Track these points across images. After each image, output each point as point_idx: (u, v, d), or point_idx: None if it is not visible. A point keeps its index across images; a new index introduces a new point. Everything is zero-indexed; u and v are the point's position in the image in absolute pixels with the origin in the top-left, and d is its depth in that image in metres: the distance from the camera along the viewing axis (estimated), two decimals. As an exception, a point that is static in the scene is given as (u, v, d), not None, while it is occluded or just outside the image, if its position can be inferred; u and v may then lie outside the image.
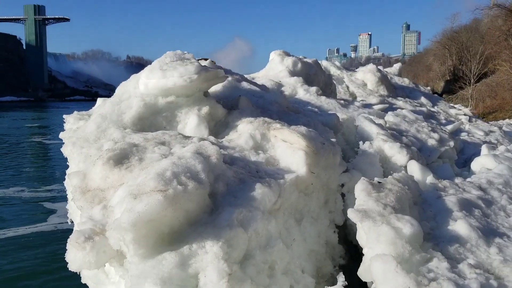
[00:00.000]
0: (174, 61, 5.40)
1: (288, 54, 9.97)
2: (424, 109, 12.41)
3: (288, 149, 4.75)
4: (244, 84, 6.91)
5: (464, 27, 69.49)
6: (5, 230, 13.15)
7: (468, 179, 5.68)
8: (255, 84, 7.70)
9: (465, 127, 12.16)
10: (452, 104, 51.14)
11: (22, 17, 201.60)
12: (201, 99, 5.39)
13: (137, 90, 5.26)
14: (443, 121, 12.05)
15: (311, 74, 9.91)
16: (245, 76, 10.42)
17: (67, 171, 4.87)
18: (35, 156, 29.91)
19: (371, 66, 13.31)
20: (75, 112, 6.13)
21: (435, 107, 13.38)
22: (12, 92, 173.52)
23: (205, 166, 3.80)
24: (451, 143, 7.29)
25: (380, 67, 15.52)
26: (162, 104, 5.21)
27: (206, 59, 7.37)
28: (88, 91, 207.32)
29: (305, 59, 10.04)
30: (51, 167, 25.27)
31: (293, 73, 9.37)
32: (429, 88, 15.98)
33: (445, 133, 7.68)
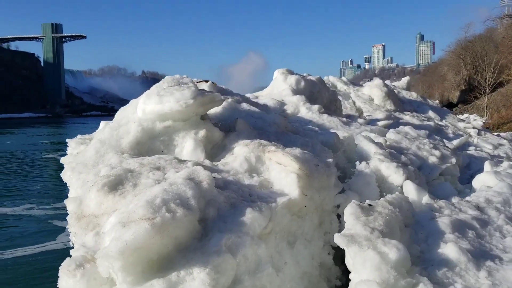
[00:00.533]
0: (172, 86, 5.53)
1: (291, 73, 10.07)
2: (431, 123, 12.34)
3: (282, 171, 4.81)
4: (244, 106, 7.00)
5: (479, 36, 69.05)
6: (13, 249, 13.34)
7: (467, 198, 5.66)
8: (255, 104, 7.80)
9: (473, 141, 12.05)
10: (466, 115, 50.60)
11: (40, 35, 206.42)
12: (198, 123, 5.50)
13: (135, 115, 5.40)
14: (451, 135, 11.96)
15: (315, 91, 9.97)
16: (249, 95, 10.54)
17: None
18: (46, 172, 30.33)
19: (377, 81, 13.32)
20: (78, 136, 6.30)
21: (443, 121, 13.29)
22: (30, 108, 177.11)
23: (195, 192, 3.89)
24: (453, 160, 7.26)
25: (388, 82, 15.51)
26: (160, 128, 5.33)
27: (207, 81, 7.50)
28: (104, 107, 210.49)
29: (308, 77, 10.12)
30: (62, 184, 25.51)
31: (296, 92, 9.44)
32: (437, 101, 15.90)
33: (447, 149, 7.65)
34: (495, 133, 28.11)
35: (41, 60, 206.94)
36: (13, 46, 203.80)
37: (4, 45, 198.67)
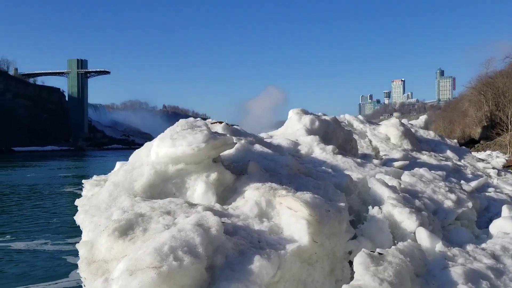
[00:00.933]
0: (185, 129, 5.65)
1: (306, 112, 10.15)
2: (449, 163, 12.17)
3: (292, 217, 4.80)
4: (257, 147, 7.07)
5: (500, 72, 68.69)
6: (25, 285, 13.40)
7: (482, 245, 5.52)
8: (268, 145, 7.86)
9: (493, 182, 11.82)
10: (489, 152, 49.69)
11: (66, 70, 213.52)
12: (210, 166, 5.57)
13: (149, 158, 5.50)
14: (470, 176, 11.77)
15: (329, 131, 10.00)
16: (263, 135, 10.64)
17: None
18: (63, 207, 30.64)
19: (394, 120, 13.29)
20: (94, 177, 6.43)
21: (462, 161, 13.11)
22: (54, 141, 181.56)
23: (203, 239, 3.91)
24: (469, 204, 7.12)
25: (405, 120, 15.48)
26: (172, 171, 5.41)
27: (221, 122, 7.63)
28: (125, 140, 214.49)
29: (323, 117, 10.18)
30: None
31: (310, 132, 9.49)
32: (455, 141, 15.78)
33: (464, 193, 7.52)
34: (518, 172, 27.51)
35: (66, 94, 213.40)
36: (39, 81, 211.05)
37: (31, 80, 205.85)
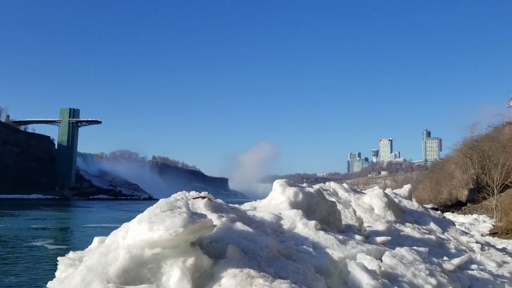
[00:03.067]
0: (164, 211, 5.63)
1: (290, 184, 10.22)
2: (433, 236, 12.18)
3: (268, 309, 4.72)
4: (238, 225, 7.04)
5: (485, 136, 70.11)
6: None
7: None
8: (250, 220, 7.84)
9: (476, 257, 11.77)
10: (476, 215, 49.70)
11: (57, 119, 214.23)
12: (187, 250, 5.51)
13: (125, 241, 5.45)
14: (453, 251, 11.73)
15: (313, 204, 10.03)
16: (247, 205, 10.63)
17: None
18: (27, 262, 28.85)
19: (377, 191, 13.41)
20: (70, 253, 6.30)
21: (445, 234, 13.12)
22: (39, 190, 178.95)
23: None
24: (450, 289, 7.07)
25: (389, 190, 15.60)
26: (148, 255, 5.34)
27: (203, 197, 7.62)
28: (112, 190, 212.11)
29: (306, 189, 10.25)
30: (40, 277, 23.91)
31: (293, 205, 9.51)
32: (439, 212, 15.87)
33: (444, 276, 7.48)
34: (503, 240, 27.46)
35: (55, 142, 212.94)
36: (30, 128, 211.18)
37: (22, 127, 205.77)
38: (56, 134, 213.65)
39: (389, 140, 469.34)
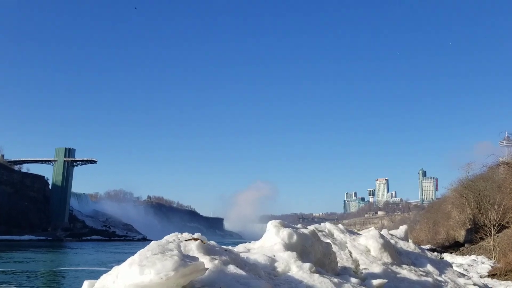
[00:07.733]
0: (156, 254, 5.56)
1: (284, 225, 10.13)
2: (429, 279, 11.99)
3: None
4: (231, 268, 6.94)
5: (480, 176, 69.90)
6: None
7: None
8: (244, 262, 7.73)
9: (474, 301, 11.58)
10: (474, 256, 49.08)
11: (52, 159, 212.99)
12: (178, 294, 5.41)
13: (115, 286, 5.35)
14: (451, 293, 11.55)
15: (307, 246, 9.91)
16: (241, 247, 10.50)
17: None
18: None
19: (373, 232, 13.30)
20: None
21: (442, 276, 12.92)
22: (32, 230, 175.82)
23: None
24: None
25: (385, 231, 15.48)
26: (138, 300, 5.23)
27: (196, 239, 7.53)
28: (105, 231, 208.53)
29: (301, 230, 10.16)
30: None
31: (287, 246, 9.40)
32: (436, 253, 15.73)
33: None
34: (502, 282, 26.99)
35: (50, 182, 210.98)
36: (24, 168, 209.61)
37: (16, 167, 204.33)
38: (51, 173, 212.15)
39: (385, 179, 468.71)
